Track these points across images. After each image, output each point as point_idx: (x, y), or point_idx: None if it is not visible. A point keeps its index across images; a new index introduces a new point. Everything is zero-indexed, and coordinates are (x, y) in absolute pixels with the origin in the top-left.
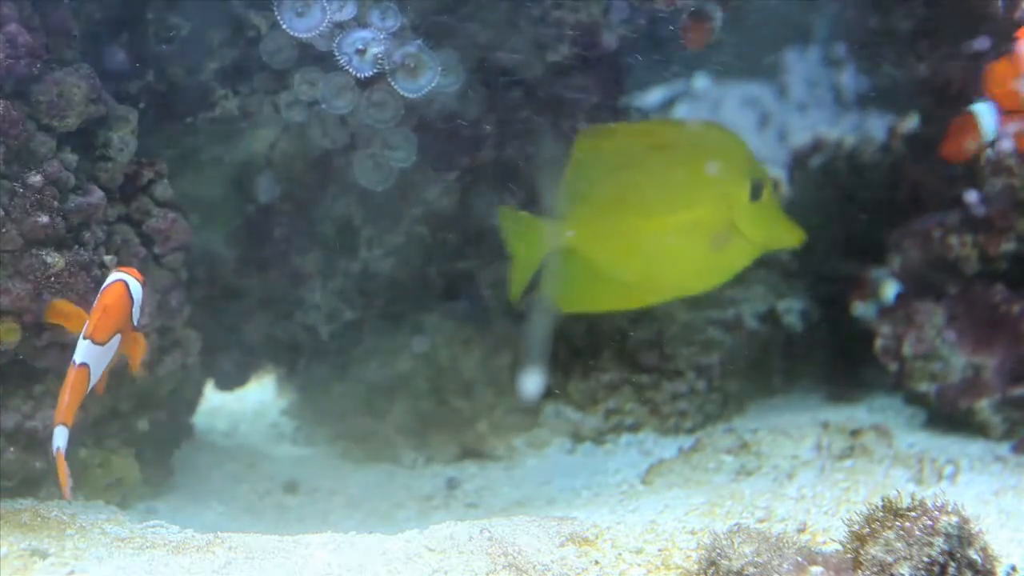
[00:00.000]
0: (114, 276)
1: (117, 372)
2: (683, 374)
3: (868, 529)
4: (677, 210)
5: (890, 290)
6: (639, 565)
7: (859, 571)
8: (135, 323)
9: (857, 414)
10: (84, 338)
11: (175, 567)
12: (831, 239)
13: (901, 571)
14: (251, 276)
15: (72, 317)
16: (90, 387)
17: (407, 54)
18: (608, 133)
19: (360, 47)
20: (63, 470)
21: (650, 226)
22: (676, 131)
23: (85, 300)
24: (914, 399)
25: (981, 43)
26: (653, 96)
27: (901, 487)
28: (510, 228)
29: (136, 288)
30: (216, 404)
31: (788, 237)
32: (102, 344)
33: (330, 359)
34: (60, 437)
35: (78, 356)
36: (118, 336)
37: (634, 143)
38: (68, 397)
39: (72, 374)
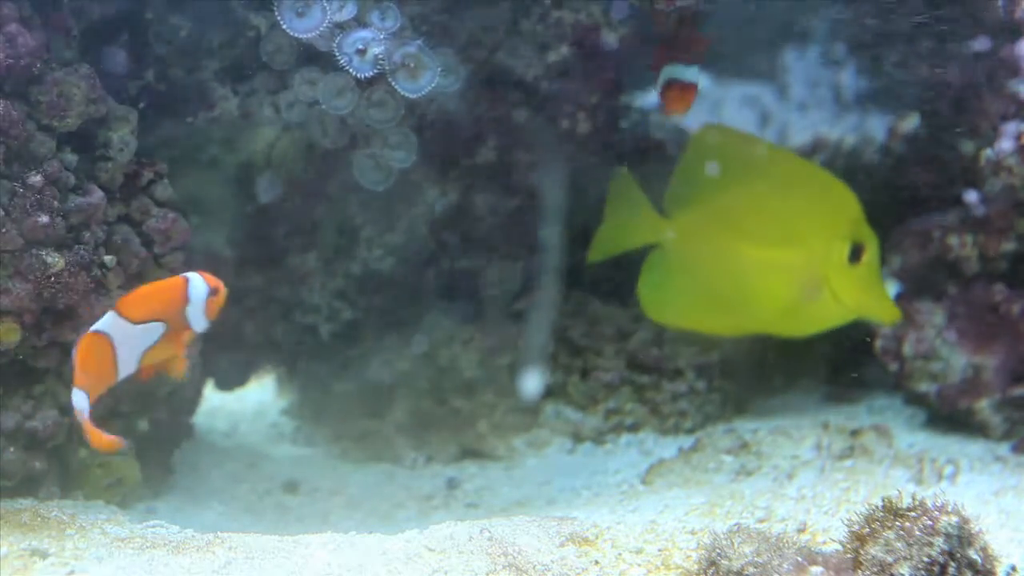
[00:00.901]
0: (185, 273)
1: None
2: (683, 374)
3: (868, 529)
4: (773, 246)
5: (890, 290)
6: (639, 565)
7: (859, 571)
8: (191, 325)
9: (857, 414)
10: (112, 310)
11: (175, 567)
12: None
13: (901, 571)
14: (251, 276)
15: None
16: (120, 367)
17: (407, 54)
18: (727, 138)
19: (360, 47)
20: (88, 429)
21: (747, 253)
22: (793, 166)
23: (86, 300)
24: (914, 399)
25: (981, 43)
26: (653, 96)
27: (901, 487)
28: (619, 197)
29: (198, 288)
30: (216, 404)
31: (881, 312)
32: (132, 321)
33: (330, 359)
34: (78, 399)
35: (96, 324)
36: (159, 325)
37: (750, 160)
38: (76, 360)
39: (82, 339)
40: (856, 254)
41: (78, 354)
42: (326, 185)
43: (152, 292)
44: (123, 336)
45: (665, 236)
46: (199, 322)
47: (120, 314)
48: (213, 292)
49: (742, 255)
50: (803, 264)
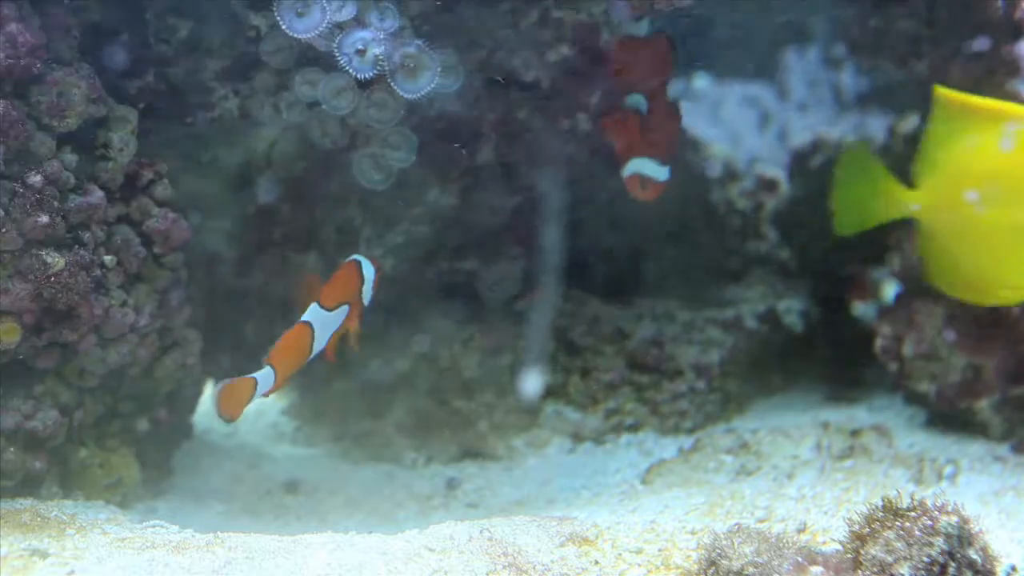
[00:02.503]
0: (352, 257)
1: (118, 372)
2: (683, 374)
3: (868, 529)
4: (1020, 209)
5: (890, 290)
6: (639, 565)
7: (859, 571)
8: (365, 301)
9: (857, 414)
10: (315, 302)
11: (175, 567)
12: (831, 239)
13: (901, 571)
14: (251, 276)
15: (315, 288)
16: (313, 348)
17: (407, 54)
18: (967, 100)
19: (360, 47)
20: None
21: (997, 220)
22: None
23: (86, 300)
24: (914, 399)
25: (981, 43)
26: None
27: (901, 487)
28: (856, 169)
29: (368, 269)
30: None
31: None
32: (328, 310)
33: None
34: (264, 378)
35: (304, 315)
36: (346, 307)
37: (992, 122)
38: (281, 343)
39: (294, 328)
40: None
41: (288, 338)
42: (326, 185)
43: (341, 281)
44: (321, 323)
45: (911, 209)
46: (368, 297)
47: (321, 305)
48: (378, 269)
49: (992, 222)
50: None
